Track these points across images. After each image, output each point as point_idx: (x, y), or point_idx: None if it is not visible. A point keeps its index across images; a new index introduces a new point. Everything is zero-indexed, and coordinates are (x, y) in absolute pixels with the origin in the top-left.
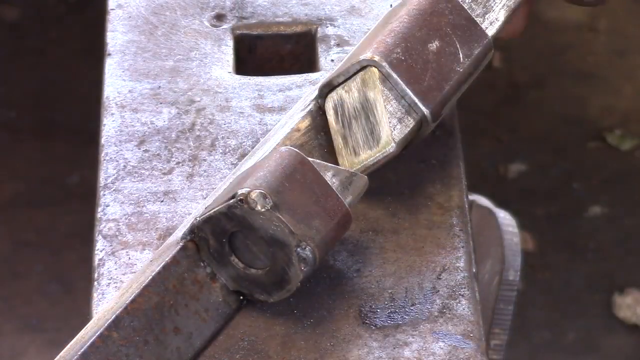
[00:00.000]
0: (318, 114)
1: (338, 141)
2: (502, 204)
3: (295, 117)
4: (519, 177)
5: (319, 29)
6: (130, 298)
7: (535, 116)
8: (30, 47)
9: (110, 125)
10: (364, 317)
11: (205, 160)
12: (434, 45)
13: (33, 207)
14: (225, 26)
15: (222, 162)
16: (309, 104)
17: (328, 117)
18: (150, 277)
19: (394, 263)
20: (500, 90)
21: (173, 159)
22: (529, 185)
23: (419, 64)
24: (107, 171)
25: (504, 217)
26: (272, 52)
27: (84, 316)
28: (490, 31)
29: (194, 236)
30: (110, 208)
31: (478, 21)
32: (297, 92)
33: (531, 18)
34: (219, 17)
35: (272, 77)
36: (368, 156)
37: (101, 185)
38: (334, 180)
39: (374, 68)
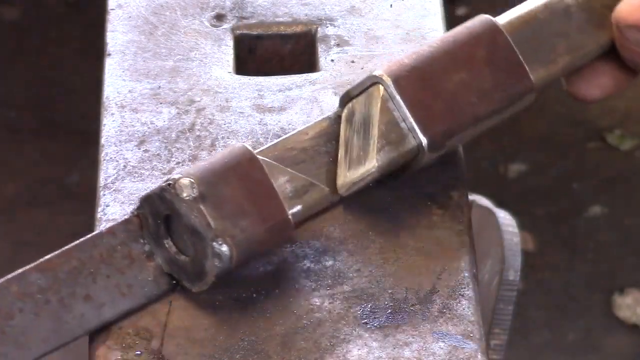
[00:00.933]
0: (336, 122)
1: (340, 152)
2: (502, 204)
3: (312, 122)
4: (519, 177)
5: (319, 29)
6: (47, 257)
7: (535, 116)
8: (30, 47)
9: (110, 125)
10: (364, 317)
11: (205, 160)
12: (458, 76)
13: (33, 207)
14: (225, 26)
15: None
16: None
17: (341, 127)
18: (77, 242)
19: (394, 263)
20: None
21: (173, 159)
22: (529, 185)
23: (431, 91)
24: (107, 171)
25: (504, 217)
26: (272, 52)
27: None
28: (536, 75)
29: (140, 212)
30: (110, 208)
31: (526, 63)
32: (297, 92)
33: None
34: (219, 17)
35: (272, 77)
36: (355, 173)
37: (101, 185)
38: (287, 185)
39: (380, 85)
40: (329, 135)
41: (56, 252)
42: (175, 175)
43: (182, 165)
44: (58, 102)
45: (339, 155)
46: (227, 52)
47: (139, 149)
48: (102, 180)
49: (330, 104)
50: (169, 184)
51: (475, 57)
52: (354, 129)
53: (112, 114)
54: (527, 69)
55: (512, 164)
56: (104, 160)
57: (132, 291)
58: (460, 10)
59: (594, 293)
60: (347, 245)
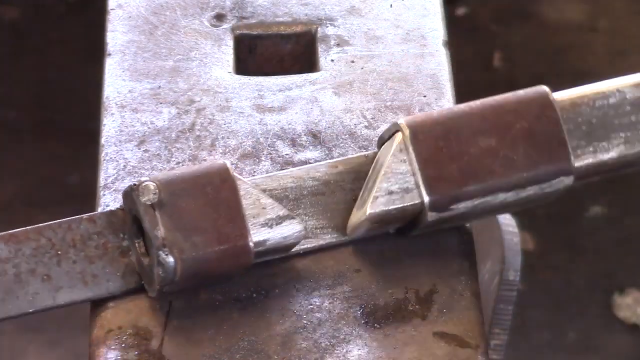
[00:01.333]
0: (370, 162)
1: (360, 192)
2: None
3: (348, 156)
4: None
5: (319, 29)
6: (16, 230)
7: None
8: (30, 47)
9: (110, 125)
10: (364, 317)
11: (205, 160)
12: (487, 142)
13: (33, 207)
14: (225, 26)
15: None
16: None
17: (370, 168)
18: (54, 222)
19: (394, 263)
20: (500, 90)
21: (173, 159)
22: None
23: (451, 150)
24: (107, 171)
25: (504, 217)
26: (272, 52)
27: (84, 316)
28: (581, 160)
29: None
30: (110, 208)
31: (573, 146)
32: (297, 92)
33: (531, 18)
34: (219, 17)
35: (272, 77)
36: (354, 217)
37: (101, 185)
38: (262, 213)
39: (401, 134)
40: (359, 174)
41: (28, 227)
42: (144, 177)
43: (182, 165)
44: (58, 102)
45: (359, 195)
46: (227, 52)
47: (139, 149)
48: (102, 180)
49: (330, 104)
50: (134, 185)
51: (513, 126)
52: (374, 172)
53: (112, 114)
54: (570, 151)
55: None
56: (104, 160)
57: (95, 282)
58: (460, 10)
59: (594, 293)
60: (347, 244)
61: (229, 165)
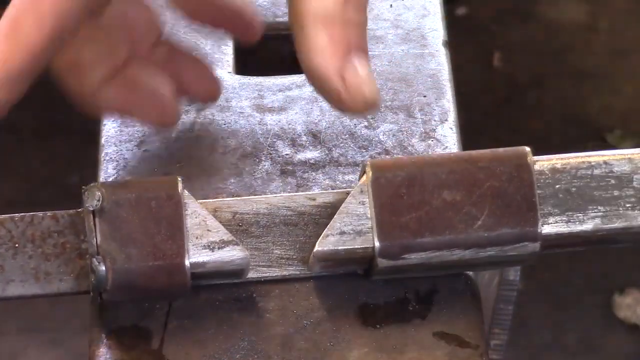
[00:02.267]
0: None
1: None
2: None
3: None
4: None
5: None
6: None
7: (535, 116)
8: None
9: (110, 125)
10: (364, 317)
11: (205, 160)
12: (452, 195)
13: (33, 207)
14: None
15: (222, 162)
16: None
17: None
18: (16, 215)
19: None
20: (500, 90)
21: (173, 159)
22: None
23: (412, 200)
24: (107, 171)
25: None
26: (272, 52)
27: (84, 316)
28: (550, 228)
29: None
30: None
31: (544, 213)
32: (297, 92)
33: (531, 18)
34: None
35: (272, 77)
36: (312, 253)
37: None
38: (207, 235)
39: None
40: (335, 209)
41: None
42: (93, 183)
43: (183, 165)
44: (58, 102)
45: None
46: (227, 52)
47: (139, 149)
48: (102, 180)
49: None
50: (83, 189)
51: (483, 184)
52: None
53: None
54: (539, 217)
55: None
56: (104, 160)
57: (48, 280)
58: (460, 10)
59: (594, 293)
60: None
61: (179, 181)
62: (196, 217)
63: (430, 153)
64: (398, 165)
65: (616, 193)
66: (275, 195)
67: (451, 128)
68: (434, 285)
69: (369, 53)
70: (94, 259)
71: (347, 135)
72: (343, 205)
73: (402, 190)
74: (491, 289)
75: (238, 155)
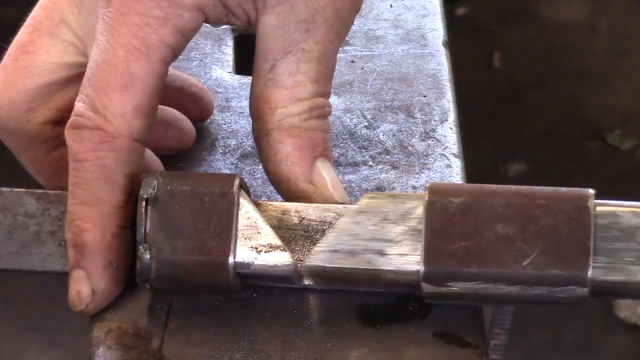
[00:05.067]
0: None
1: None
2: None
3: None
4: (519, 177)
5: None
6: (49, 192)
7: (535, 116)
8: None
9: None
10: (364, 317)
11: (205, 160)
12: (505, 229)
13: None
14: (225, 26)
15: (222, 162)
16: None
17: None
18: (32, 191)
19: None
20: (500, 90)
21: (173, 159)
22: (529, 185)
23: (464, 228)
24: None
25: None
26: None
27: (84, 316)
28: (601, 275)
29: None
30: None
31: (597, 259)
32: None
33: (531, 18)
34: None
35: None
36: None
37: None
38: (255, 237)
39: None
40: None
41: (60, 191)
42: (152, 172)
43: (182, 165)
44: None
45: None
46: (227, 52)
47: None
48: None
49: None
50: (142, 175)
51: (539, 221)
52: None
53: None
54: (591, 262)
55: (512, 163)
56: None
57: (45, 262)
58: (460, 10)
59: None
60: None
61: (237, 180)
62: (248, 218)
63: (490, 185)
64: (456, 192)
65: None
66: (344, 206)
67: (451, 128)
68: None
69: (369, 53)
70: (141, 247)
71: (347, 135)
72: (339, 222)
73: (455, 217)
74: None
75: (238, 155)
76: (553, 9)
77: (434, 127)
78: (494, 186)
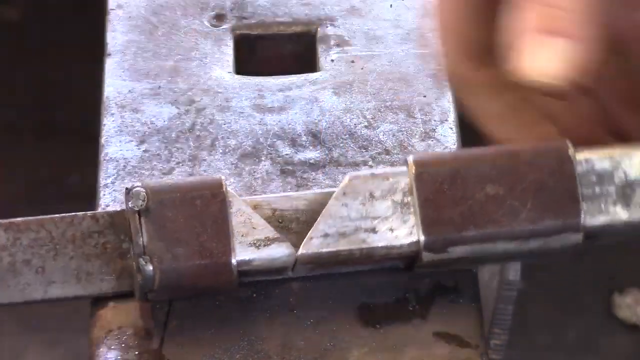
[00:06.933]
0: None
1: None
2: None
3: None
4: None
5: (319, 29)
6: (18, 219)
7: None
8: (31, 47)
9: (110, 125)
10: (364, 317)
11: (205, 160)
12: (494, 189)
13: (33, 207)
14: (225, 26)
15: (222, 162)
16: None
17: None
18: (56, 215)
19: None
20: None
21: (173, 159)
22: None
23: (455, 194)
24: (107, 171)
25: None
26: (272, 52)
27: (85, 316)
28: (593, 219)
29: None
30: (110, 208)
31: (587, 205)
32: (297, 92)
33: None
34: (219, 17)
35: (272, 77)
36: None
37: (101, 185)
38: (251, 232)
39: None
40: None
41: (30, 218)
42: (137, 183)
43: (182, 165)
44: (58, 102)
45: None
46: (227, 52)
47: (139, 149)
48: (102, 180)
49: (330, 104)
50: (127, 190)
51: (525, 177)
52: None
53: (112, 114)
54: (582, 208)
55: None
56: (104, 160)
57: (89, 280)
58: None
59: (594, 293)
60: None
61: (223, 180)
62: (241, 215)
63: (470, 149)
64: (440, 161)
65: None
66: (314, 191)
67: (451, 128)
68: (434, 285)
69: (369, 53)
70: (141, 259)
71: (347, 135)
72: (326, 207)
73: (445, 185)
74: (491, 289)
75: (238, 155)
76: None
77: (434, 127)
78: (474, 150)
